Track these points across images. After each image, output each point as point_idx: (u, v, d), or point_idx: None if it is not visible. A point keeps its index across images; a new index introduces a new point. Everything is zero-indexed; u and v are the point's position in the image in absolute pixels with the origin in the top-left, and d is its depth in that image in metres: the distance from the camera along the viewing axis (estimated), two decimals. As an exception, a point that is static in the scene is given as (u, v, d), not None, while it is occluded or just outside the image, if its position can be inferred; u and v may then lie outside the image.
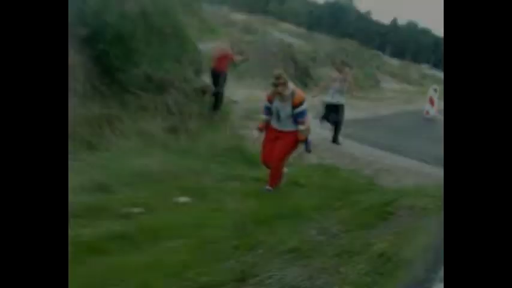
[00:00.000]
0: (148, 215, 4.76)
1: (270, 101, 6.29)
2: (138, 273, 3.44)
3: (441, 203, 6.68)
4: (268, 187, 6.35)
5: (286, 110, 6.16)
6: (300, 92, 6.26)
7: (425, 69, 62.44)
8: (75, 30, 7.04)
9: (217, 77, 10.11)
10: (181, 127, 7.77)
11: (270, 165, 6.39)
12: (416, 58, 73.18)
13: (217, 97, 10.13)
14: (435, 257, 4.72)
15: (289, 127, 6.29)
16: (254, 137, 6.67)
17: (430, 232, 5.50)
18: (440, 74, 63.59)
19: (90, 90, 7.02)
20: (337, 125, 10.23)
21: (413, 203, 6.57)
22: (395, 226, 5.69)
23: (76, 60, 6.91)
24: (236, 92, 13.29)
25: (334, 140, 10.20)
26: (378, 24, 78.84)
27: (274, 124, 6.37)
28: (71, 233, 3.74)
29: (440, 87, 18.94)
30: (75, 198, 4.57)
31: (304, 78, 20.64)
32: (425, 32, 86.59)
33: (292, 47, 22.77)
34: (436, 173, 8.90)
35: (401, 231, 5.47)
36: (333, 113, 10.19)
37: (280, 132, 6.32)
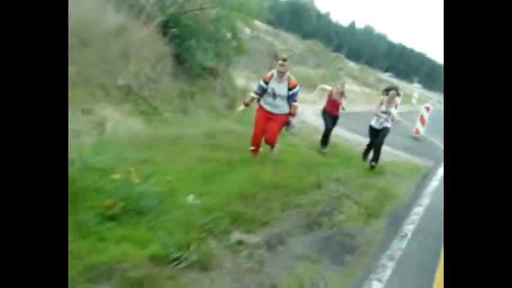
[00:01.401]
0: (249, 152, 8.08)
1: (266, 81, 7.72)
2: (270, 177, 6.77)
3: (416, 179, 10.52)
4: (272, 149, 8.19)
5: (282, 89, 7.65)
6: (293, 78, 7.80)
7: (380, 73, 67.37)
8: (167, 30, 10.25)
9: (333, 119, 10.92)
10: (232, 104, 11.08)
11: (259, 141, 7.99)
12: (371, 62, 77.70)
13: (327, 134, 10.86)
14: (413, 195, 8.38)
15: (280, 108, 7.82)
16: (239, 109, 8.14)
17: (406, 184, 9.17)
18: (393, 80, 68.70)
19: (174, 72, 10.22)
20: (378, 146, 10.21)
21: (392, 169, 10.28)
22: (386, 179, 9.25)
23: (166, 50, 10.10)
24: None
25: (375, 159, 10.14)
26: (336, 26, 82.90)
27: (266, 106, 7.84)
28: (222, 156, 7.06)
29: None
30: (202, 140, 7.91)
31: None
32: (381, 38, 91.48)
33: (273, 46, 26.11)
34: (401, 155, 12.79)
35: (390, 181, 9.04)
36: (376, 137, 10.24)
37: (273, 114, 7.79)
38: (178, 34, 10.41)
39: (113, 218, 4.16)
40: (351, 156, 10.72)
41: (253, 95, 7.92)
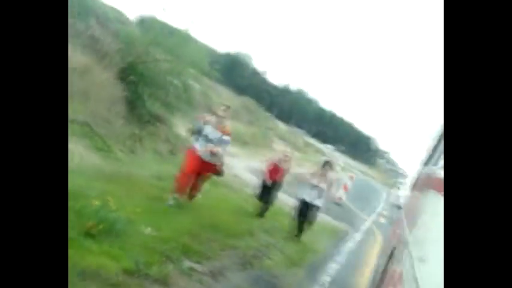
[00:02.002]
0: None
1: (204, 123, 8.05)
2: (210, 220, 7.93)
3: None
4: (175, 195, 8.04)
5: (217, 134, 7.93)
6: (229, 128, 8.31)
7: (307, 137, 70.26)
8: (125, 76, 11.39)
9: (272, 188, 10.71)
10: (174, 150, 12.24)
11: (188, 184, 8.18)
12: (300, 125, 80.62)
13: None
14: (330, 253, 9.71)
15: (211, 157, 8.07)
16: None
17: (325, 243, 10.53)
18: (319, 145, 71.74)
19: (126, 116, 11.31)
20: (306, 221, 10.13)
21: (314, 228, 11.59)
22: (308, 236, 10.55)
23: (122, 95, 11.21)
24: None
25: (299, 233, 10.05)
26: (269, 85, 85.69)
27: (199, 148, 8.03)
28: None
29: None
30: (152, 181, 8.99)
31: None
32: (311, 102, 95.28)
33: (210, 98, 27.51)
34: (323, 217, 14.18)
35: (312, 238, 10.36)
36: (306, 211, 9.97)
37: (204, 162, 8.06)
38: (134, 81, 11.52)
39: (92, 236, 5.18)
40: (279, 212, 12.01)
41: (198, 146, 8.06)
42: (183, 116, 16.53)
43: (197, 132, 8.11)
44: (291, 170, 10.87)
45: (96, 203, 5.68)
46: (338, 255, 10.12)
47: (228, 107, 8.55)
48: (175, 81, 12.43)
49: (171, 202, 7.85)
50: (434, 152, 5.91)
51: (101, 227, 5.30)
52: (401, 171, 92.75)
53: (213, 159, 8.14)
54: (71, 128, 8.68)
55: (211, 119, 8.12)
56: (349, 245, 11.80)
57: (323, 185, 9.73)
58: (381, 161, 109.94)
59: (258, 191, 10.87)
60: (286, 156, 10.92)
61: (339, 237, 12.42)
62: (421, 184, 5.71)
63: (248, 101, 42.48)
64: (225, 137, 8.12)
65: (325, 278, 8.00)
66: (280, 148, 36.69)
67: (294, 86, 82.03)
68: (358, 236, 13.75)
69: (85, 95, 9.89)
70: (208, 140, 7.92)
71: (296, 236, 9.88)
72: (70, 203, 5.53)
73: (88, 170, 7.53)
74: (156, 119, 12.60)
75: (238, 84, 68.61)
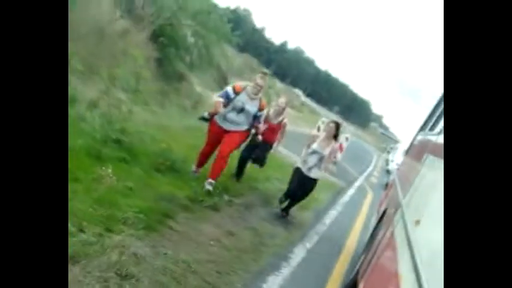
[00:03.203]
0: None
1: (237, 92, 7.25)
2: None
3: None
4: (211, 181, 7.27)
5: (253, 107, 7.25)
6: (264, 100, 7.46)
7: (302, 96, 71.64)
8: (156, 37, 12.95)
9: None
10: (195, 105, 13.92)
11: (206, 160, 7.83)
12: (296, 83, 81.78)
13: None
14: (330, 202, 11.50)
15: (240, 125, 7.37)
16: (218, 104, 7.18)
17: (325, 194, 12.29)
18: (314, 105, 73.28)
19: (155, 73, 12.93)
20: (299, 198, 8.56)
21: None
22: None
23: (152, 54, 12.80)
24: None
25: (287, 210, 8.48)
26: (268, 42, 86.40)
27: (223, 123, 7.36)
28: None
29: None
30: (187, 131, 10.65)
31: (222, 83, 26.90)
32: (309, 62, 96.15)
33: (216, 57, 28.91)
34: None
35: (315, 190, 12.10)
36: (302, 184, 8.28)
37: (229, 131, 7.39)
38: (163, 42, 13.10)
39: (160, 171, 6.92)
40: (284, 165, 13.79)
41: (220, 99, 7.25)
42: (203, 74, 18.16)
43: (226, 101, 7.23)
44: (287, 127, 9.90)
45: (163, 145, 7.42)
46: (336, 205, 11.97)
47: (266, 74, 7.55)
48: (199, 43, 14.00)
49: (194, 174, 7.73)
50: (431, 117, 6.27)
51: (167, 163, 7.04)
52: (393, 136, 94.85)
53: (238, 127, 7.44)
54: (117, 82, 10.32)
55: (247, 88, 7.30)
56: (345, 198, 13.67)
57: (324, 152, 7.99)
58: (373, 125, 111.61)
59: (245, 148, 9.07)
60: (281, 106, 9.37)
61: (336, 191, 14.23)
62: (417, 149, 6.08)
63: (249, 59, 43.87)
64: (263, 112, 7.51)
65: (327, 220, 9.81)
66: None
67: (291, 45, 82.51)
68: (352, 192, 15.68)
69: (124, 54, 11.47)
70: (242, 111, 7.24)
71: (283, 212, 8.46)
72: (143, 146, 7.30)
73: (139, 120, 9.18)
74: (180, 76, 14.20)
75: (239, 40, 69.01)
